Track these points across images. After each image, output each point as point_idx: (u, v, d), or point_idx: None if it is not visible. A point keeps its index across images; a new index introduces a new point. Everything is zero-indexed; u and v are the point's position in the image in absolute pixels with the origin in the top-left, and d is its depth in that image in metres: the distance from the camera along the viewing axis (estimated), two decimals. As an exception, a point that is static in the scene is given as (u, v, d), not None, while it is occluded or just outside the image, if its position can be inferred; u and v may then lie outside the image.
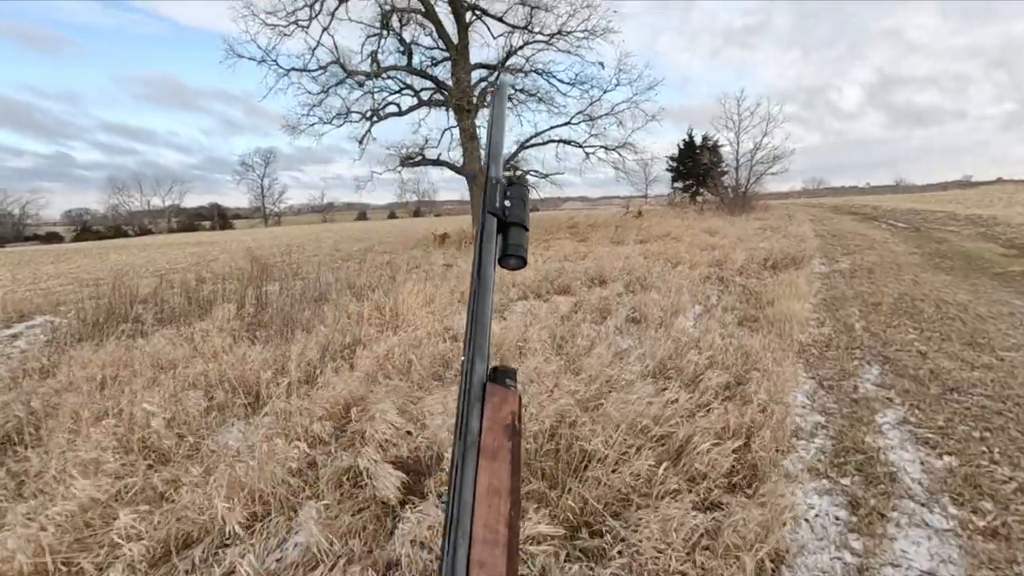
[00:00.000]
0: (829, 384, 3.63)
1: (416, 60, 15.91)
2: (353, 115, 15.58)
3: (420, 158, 16.08)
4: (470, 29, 16.66)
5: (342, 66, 13.36)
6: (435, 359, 4.12)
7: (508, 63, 16.62)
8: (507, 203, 0.63)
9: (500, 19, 16.14)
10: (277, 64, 12.88)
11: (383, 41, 13.98)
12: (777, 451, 2.58)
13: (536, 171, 16.82)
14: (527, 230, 0.64)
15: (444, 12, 14.91)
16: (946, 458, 2.58)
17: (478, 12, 15.91)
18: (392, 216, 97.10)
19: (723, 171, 26.97)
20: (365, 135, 15.41)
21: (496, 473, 0.51)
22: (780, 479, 2.37)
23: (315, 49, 13.65)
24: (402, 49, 13.94)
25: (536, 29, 16.10)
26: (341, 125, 15.96)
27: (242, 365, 4.19)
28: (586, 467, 2.21)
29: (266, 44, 12.60)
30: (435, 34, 15.04)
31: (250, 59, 12.64)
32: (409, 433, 2.78)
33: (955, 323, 4.95)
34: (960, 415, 3.03)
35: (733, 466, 2.31)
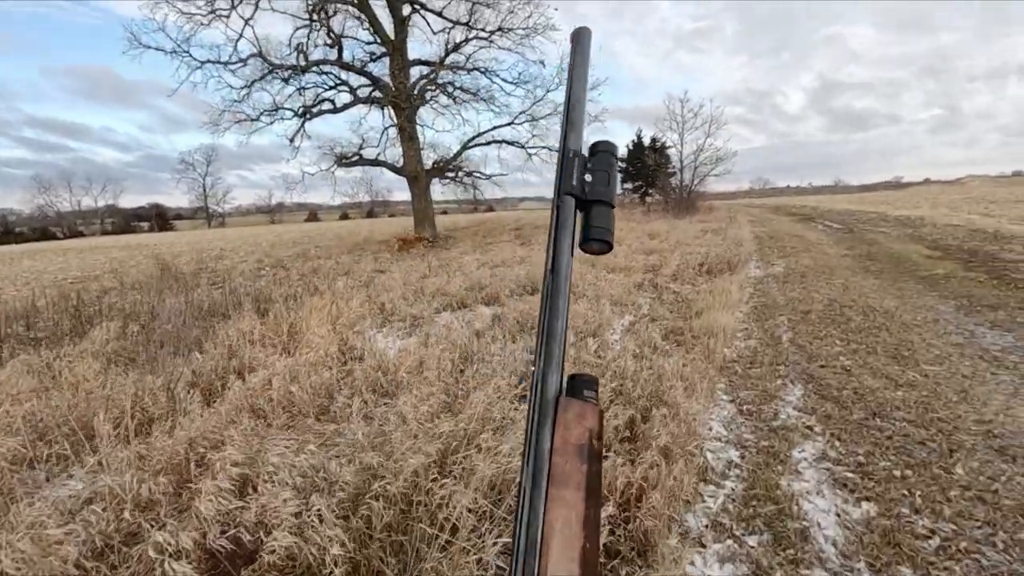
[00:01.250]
0: (749, 409, 3.32)
1: (350, 54, 15.20)
2: (285, 112, 14.72)
3: (357, 158, 15.34)
4: (409, 24, 16.07)
5: (264, 59, 12.48)
6: (319, 390, 3.60)
7: (449, 60, 16.10)
8: (587, 178, 0.55)
9: (440, 14, 15.58)
10: (190, 56, 11.88)
11: (313, 33, 13.21)
12: (685, 502, 2.22)
13: (479, 172, 16.38)
14: (613, 207, 0.56)
15: (381, 5, 14.27)
16: (864, 505, 2.27)
17: (416, 6, 15.32)
18: (344, 217, 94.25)
19: (671, 172, 27.26)
20: (297, 133, 14.56)
21: (568, 503, 0.46)
22: (676, 545, 2.00)
23: (237, 41, 12.76)
24: (330, 42, 13.18)
25: (479, 26, 15.66)
26: (272, 122, 15.05)
27: (95, 399, 3.56)
28: (431, 546, 1.77)
29: (177, 34, 11.57)
30: (371, 28, 14.36)
31: (158, 50, 11.58)
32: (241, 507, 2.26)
33: (881, 333, 4.79)
34: (882, 447, 2.75)
35: (615, 539, 1.91)
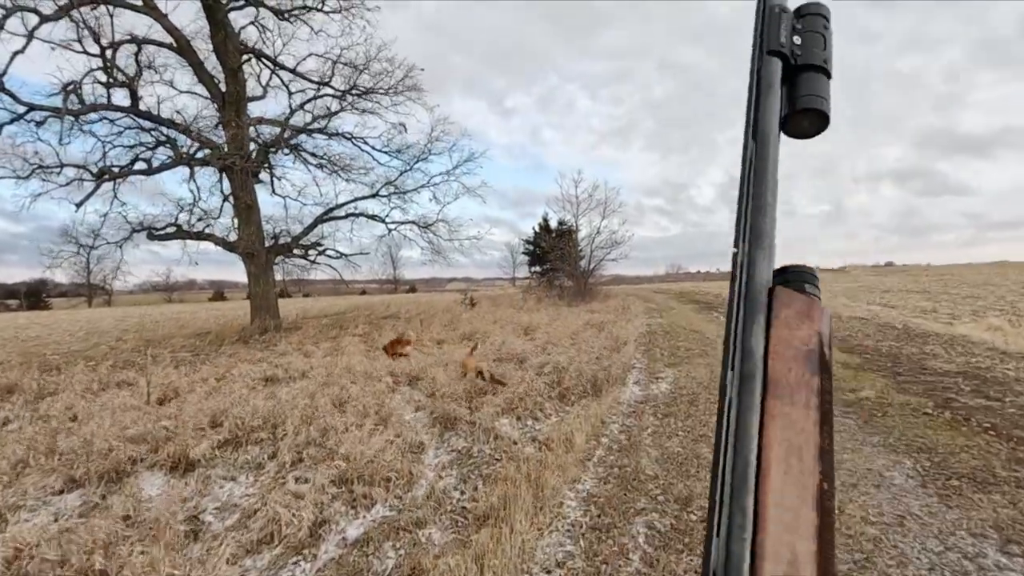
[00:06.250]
0: None
1: (192, 110, 12.54)
2: (75, 170, 11.53)
3: (175, 230, 12.24)
4: (269, 84, 13.81)
5: (11, 94, 9.43)
6: None
7: (305, 122, 13.82)
8: (796, 39, 0.46)
9: (293, 70, 13.43)
10: None
11: (111, 75, 10.47)
12: None
13: (334, 250, 13.64)
14: (830, 77, 0.46)
15: (210, 50, 11.88)
16: None
17: (265, 60, 13.11)
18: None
19: (580, 255, 25.92)
20: (87, 198, 11.31)
21: (796, 424, 0.35)
22: None
23: (2, 75, 9.74)
24: (106, 81, 10.33)
25: (340, 86, 13.64)
26: (68, 183, 11.75)
27: None
28: None
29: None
30: (197, 77, 11.87)
31: None
32: None
33: None
34: None
35: None
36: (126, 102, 11.30)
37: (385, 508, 3.25)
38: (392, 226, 13.39)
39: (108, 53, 10.10)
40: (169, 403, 5.79)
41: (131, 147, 12.35)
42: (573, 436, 4.10)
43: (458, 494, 3.42)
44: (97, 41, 9.78)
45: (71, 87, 9.75)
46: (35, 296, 76.14)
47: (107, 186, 12.22)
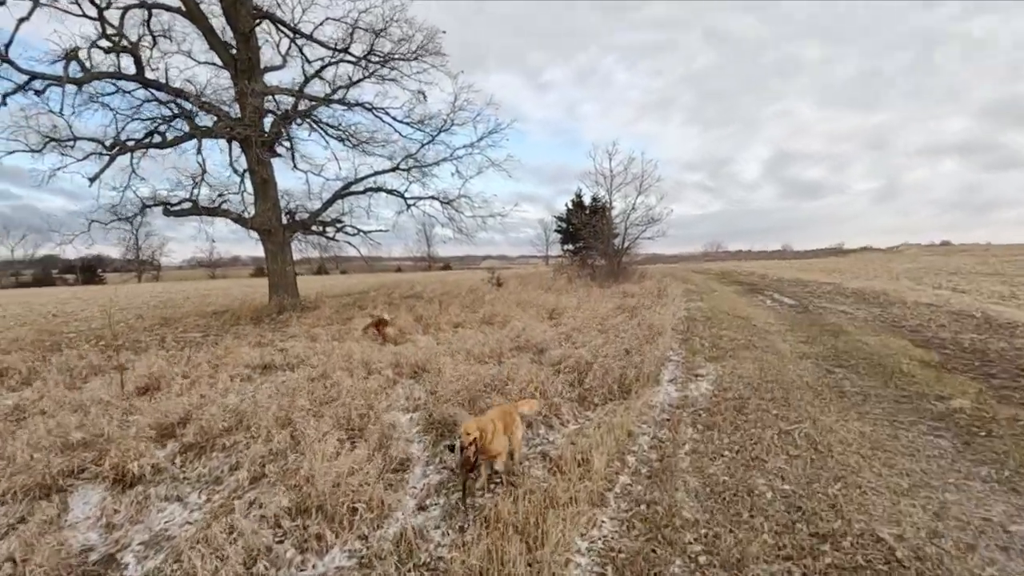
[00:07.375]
0: None
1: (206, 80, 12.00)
2: (91, 144, 11.22)
3: (191, 205, 11.85)
4: (288, 52, 13.16)
5: (11, 63, 9.04)
6: None
7: (331, 94, 13.15)
8: None
9: (309, 36, 12.71)
10: None
11: (114, 41, 10.01)
12: None
13: (352, 226, 13.06)
14: None
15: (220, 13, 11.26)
16: None
17: (280, 25, 12.42)
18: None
19: (615, 233, 24.77)
20: (101, 172, 10.97)
21: None
22: None
23: (8, 44, 9.39)
24: (107, 46, 9.79)
25: (358, 52, 12.86)
26: (84, 157, 11.47)
27: None
28: None
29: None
30: (207, 42, 11.30)
31: None
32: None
33: None
34: None
35: None
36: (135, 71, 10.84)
37: (343, 554, 2.55)
38: (411, 201, 12.71)
39: (110, 16, 9.61)
40: (149, 394, 5.28)
41: (150, 120, 11.98)
42: (591, 455, 3.30)
43: (439, 535, 2.69)
44: (93, 2, 9.27)
45: (72, 53, 9.30)
46: (91, 271, 79.91)
47: (124, 160, 11.95)
